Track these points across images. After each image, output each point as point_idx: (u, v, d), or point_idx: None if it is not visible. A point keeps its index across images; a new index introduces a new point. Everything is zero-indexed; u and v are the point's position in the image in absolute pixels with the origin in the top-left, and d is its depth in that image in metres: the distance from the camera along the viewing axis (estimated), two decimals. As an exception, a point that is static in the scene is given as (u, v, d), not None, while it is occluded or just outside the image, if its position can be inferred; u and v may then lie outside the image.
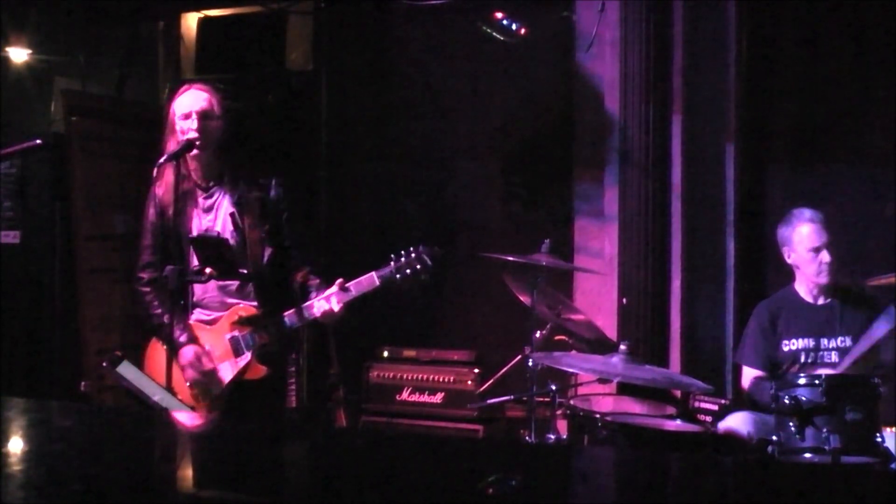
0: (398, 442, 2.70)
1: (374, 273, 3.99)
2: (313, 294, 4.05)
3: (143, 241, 4.19)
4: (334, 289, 3.98)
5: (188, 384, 4.06)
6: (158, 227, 4.12)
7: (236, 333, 4.06)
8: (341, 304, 3.97)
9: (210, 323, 4.12)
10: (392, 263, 3.97)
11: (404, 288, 4.03)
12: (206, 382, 4.07)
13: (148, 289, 4.15)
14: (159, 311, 4.09)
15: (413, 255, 3.97)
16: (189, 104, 4.06)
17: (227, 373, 4.08)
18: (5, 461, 1.87)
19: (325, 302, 3.98)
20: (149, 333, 4.23)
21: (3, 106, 6.14)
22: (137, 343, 4.43)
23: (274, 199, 4.13)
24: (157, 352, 4.15)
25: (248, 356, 4.05)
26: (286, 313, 4.04)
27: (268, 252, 4.10)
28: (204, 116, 4.05)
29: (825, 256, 4.41)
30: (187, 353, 4.04)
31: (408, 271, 3.96)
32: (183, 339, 4.03)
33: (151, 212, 4.14)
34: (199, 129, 4.02)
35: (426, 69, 6.13)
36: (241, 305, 4.09)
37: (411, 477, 1.93)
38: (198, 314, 4.14)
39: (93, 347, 5.53)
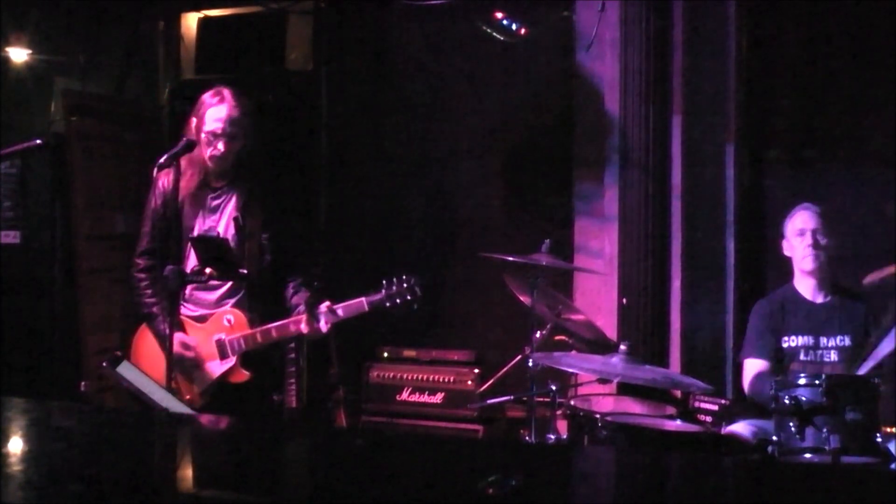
0: (398, 442, 2.70)
1: (363, 299, 4.02)
2: (301, 309, 4.08)
3: (143, 227, 4.27)
4: (322, 310, 4.03)
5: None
6: (161, 216, 4.16)
7: (223, 336, 4.12)
8: (329, 325, 4.04)
9: (198, 320, 4.19)
10: (383, 291, 4.00)
11: (393, 314, 4.04)
12: (191, 372, 4.14)
13: (143, 275, 4.23)
14: (151, 300, 4.19)
15: (405, 284, 3.99)
16: (226, 112, 4.11)
17: (212, 371, 4.15)
18: (5, 461, 1.87)
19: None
20: (140, 320, 4.30)
21: (3, 106, 6.13)
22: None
23: (277, 207, 4.22)
24: (145, 340, 4.24)
25: (232, 360, 4.13)
26: (274, 325, 4.08)
27: (266, 258, 4.19)
28: (235, 123, 4.12)
29: (808, 239, 4.41)
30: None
31: (398, 300, 3.99)
32: (168, 331, 4.00)
33: (155, 201, 4.18)
34: (231, 136, 4.11)
35: (426, 69, 6.13)
36: (230, 310, 4.15)
37: (411, 477, 1.93)
38: (185, 310, 4.19)
39: (93, 347, 5.54)
